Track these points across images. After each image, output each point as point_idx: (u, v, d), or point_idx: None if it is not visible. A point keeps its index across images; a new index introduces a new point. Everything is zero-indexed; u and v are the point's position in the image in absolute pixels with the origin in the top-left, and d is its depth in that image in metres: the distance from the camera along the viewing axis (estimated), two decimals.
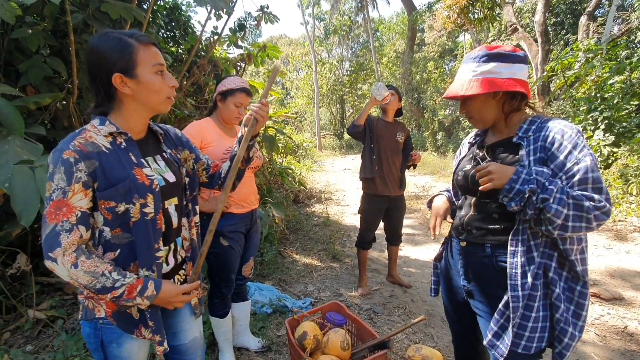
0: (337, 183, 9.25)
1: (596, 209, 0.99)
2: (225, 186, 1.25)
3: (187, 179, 1.21)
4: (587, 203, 0.99)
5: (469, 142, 1.40)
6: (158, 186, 1.05)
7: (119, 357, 1.07)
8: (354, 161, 13.39)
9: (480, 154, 1.29)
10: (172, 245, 1.14)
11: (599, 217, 1.00)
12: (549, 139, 1.08)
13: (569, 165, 1.04)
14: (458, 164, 1.40)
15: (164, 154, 1.16)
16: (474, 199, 1.28)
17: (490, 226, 1.21)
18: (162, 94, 1.03)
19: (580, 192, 1.01)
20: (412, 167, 3.09)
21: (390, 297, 3.01)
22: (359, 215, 3.15)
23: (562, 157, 1.05)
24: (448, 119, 15.02)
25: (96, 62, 0.98)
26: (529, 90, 1.16)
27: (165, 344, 1.10)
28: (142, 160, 1.05)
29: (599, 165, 1.04)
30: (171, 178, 1.12)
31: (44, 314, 2.26)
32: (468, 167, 1.29)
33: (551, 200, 0.99)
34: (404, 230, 3.45)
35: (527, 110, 1.24)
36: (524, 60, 1.16)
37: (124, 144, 1.03)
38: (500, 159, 1.19)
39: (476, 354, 1.49)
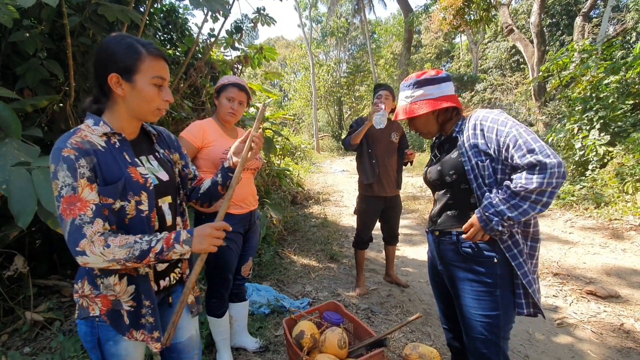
0: (335, 184, 9.27)
1: (544, 178, 1.13)
2: (226, 195, 1.25)
3: (179, 179, 1.23)
4: (532, 185, 1.15)
5: (431, 146, 1.66)
6: (152, 184, 1.06)
7: (115, 356, 1.07)
8: (352, 162, 13.38)
9: (434, 152, 1.56)
10: None
11: (552, 182, 1.13)
12: (478, 126, 1.29)
13: (502, 140, 1.22)
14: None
15: (157, 154, 1.18)
16: (436, 192, 1.52)
17: (449, 212, 1.43)
18: (153, 105, 1.04)
19: (521, 178, 1.17)
20: (409, 164, 3.09)
21: (388, 297, 3.03)
22: (356, 215, 3.16)
23: (494, 136, 1.24)
24: None
25: (101, 58, 1.01)
26: (456, 100, 1.41)
27: (164, 339, 1.10)
28: (136, 159, 1.07)
29: (531, 130, 1.23)
30: (164, 177, 1.13)
31: (41, 316, 2.26)
32: (429, 167, 1.54)
33: (511, 214, 1.20)
34: (401, 230, 3.46)
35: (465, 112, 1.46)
36: (448, 78, 1.41)
37: (118, 143, 1.04)
38: (446, 152, 1.45)
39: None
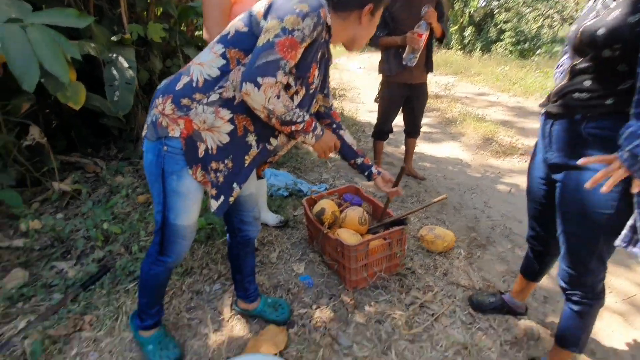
0: (351, 81, 8.77)
1: None
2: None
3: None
4: None
5: None
6: (315, 88, 1.15)
7: (176, 192, 1.07)
8: (370, 59, 12.42)
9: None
10: None
11: None
12: None
13: None
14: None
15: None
16: (570, 66, 1.11)
17: (581, 95, 1.07)
18: (365, 41, 1.21)
19: None
20: (439, 42, 2.70)
21: (404, 187, 3.03)
22: (377, 104, 2.97)
23: None
24: (480, 12, 13.38)
25: None
26: None
27: (220, 201, 1.10)
28: (317, 61, 1.10)
29: None
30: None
31: (69, 187, 2.32)
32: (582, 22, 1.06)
33: None
34: (422, 126, 3.28)
35: None
36: None
37: (323, 40, 1.07)
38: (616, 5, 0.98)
39: (549, 239, 1.38)
